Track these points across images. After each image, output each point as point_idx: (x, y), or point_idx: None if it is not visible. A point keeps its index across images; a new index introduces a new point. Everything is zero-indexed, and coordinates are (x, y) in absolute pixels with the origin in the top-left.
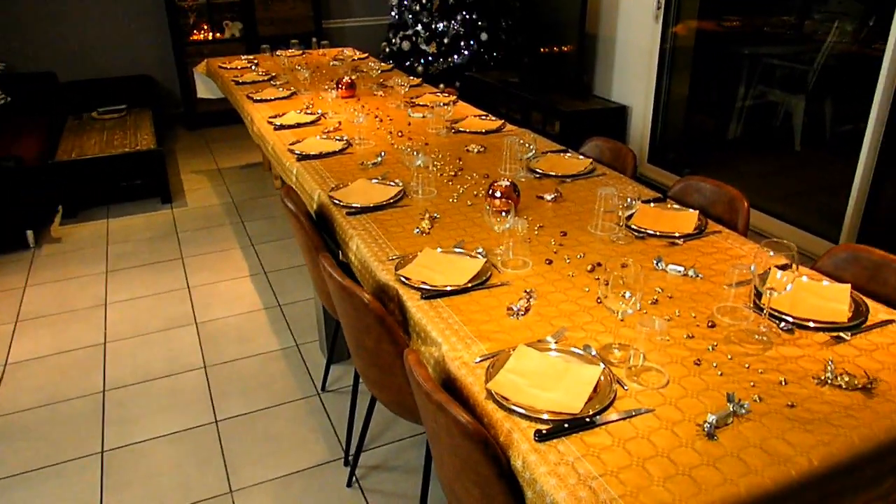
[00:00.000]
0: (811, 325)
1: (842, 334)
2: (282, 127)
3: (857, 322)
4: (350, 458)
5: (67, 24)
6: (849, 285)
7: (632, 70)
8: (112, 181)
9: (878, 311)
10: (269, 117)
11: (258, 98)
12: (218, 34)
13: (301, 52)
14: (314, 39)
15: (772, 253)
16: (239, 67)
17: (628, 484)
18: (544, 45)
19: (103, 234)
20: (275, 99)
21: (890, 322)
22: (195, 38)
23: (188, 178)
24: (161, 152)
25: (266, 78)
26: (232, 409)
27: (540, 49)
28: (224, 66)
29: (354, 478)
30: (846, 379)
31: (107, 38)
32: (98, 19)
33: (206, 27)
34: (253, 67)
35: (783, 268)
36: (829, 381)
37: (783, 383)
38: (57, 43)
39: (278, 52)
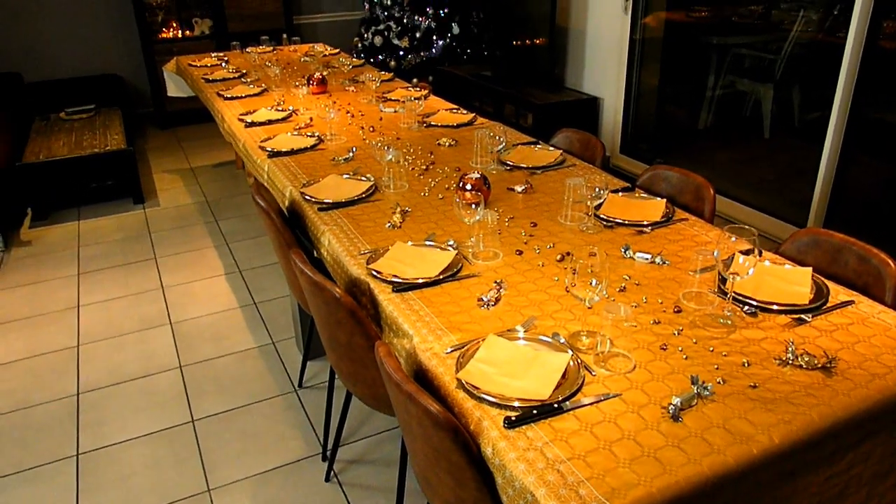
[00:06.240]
0: (774, 307)
1: (803, 316)
2: (253, 124)
3: (818, 304)
4: (328, 452)
5: (32, 24)
6: (810, 268)
7: (603, 62)
8: (82, 182)
9: (838, 293)
10: (240, 114)
11: (229, 95)
12: (187, 31)
13: (272, 48)
14: (285, 35)
15: (734, 238)
16: (209, 65)
17: (595, 467)
18: (516, 38)
19: (74, 236)
20: (245, 96)
21: (849, 303)
22: (164, 35)
23: (160, 177)
24: (131, 152)
25: (236, 75)
26: (208, 408)
27: (512, 42)
28: (194, 63)
29: (333, 472)
30: (806, 359)
31: (73, 37)
32: (64, 19)
33: (174, 25)
34: (223, 65)
35: (746, 253)
36: (790, 362)
37: (746, 365)
38: (22, 43)
39: (249, 49)
